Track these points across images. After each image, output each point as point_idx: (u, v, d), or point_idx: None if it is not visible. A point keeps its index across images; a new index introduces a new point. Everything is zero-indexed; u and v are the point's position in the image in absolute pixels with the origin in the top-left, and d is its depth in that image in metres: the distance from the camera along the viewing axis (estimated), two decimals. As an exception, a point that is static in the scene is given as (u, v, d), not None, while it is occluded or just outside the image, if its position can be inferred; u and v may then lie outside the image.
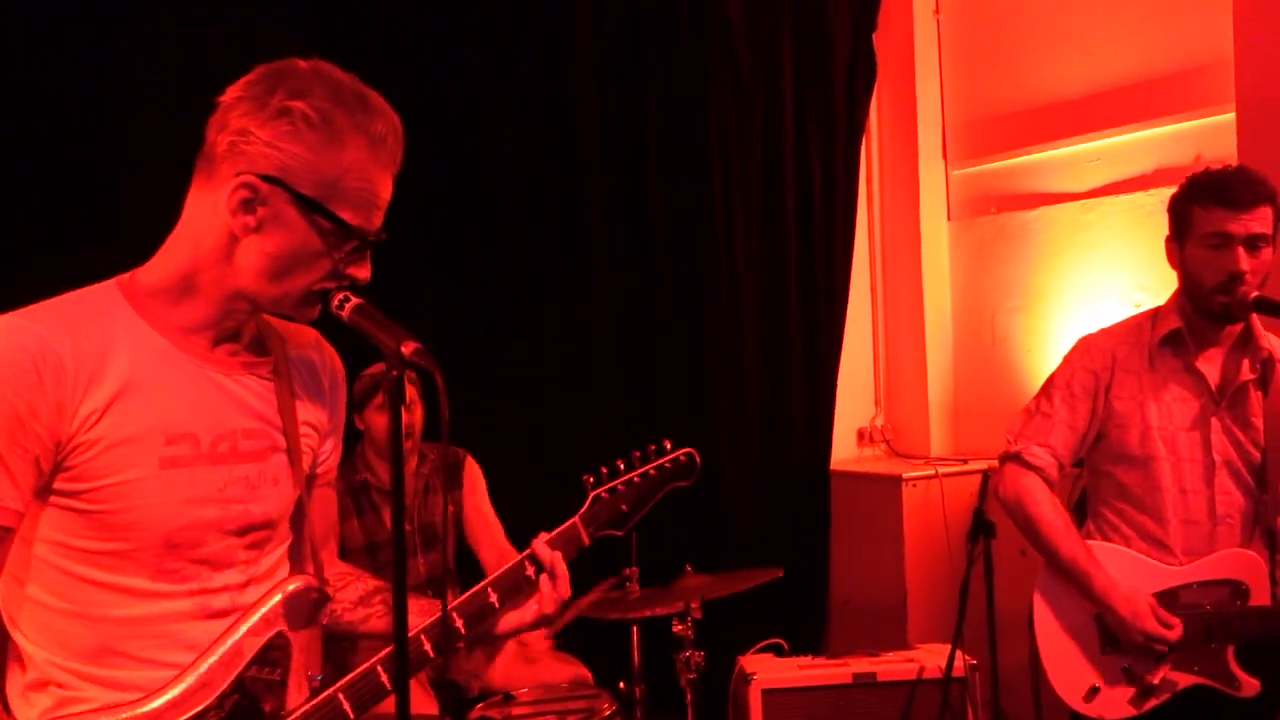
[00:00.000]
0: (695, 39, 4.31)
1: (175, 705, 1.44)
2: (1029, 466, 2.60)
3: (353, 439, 3.43)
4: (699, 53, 4.31)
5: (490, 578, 1.73)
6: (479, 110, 4.16)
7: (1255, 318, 2.50)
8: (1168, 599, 2.50)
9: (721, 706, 3.41)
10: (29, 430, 1.34)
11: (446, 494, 3.49)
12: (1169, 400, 2.53)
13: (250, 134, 1.38)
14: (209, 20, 3.54)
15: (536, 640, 3.41)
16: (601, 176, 4.24)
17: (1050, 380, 2.66)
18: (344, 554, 3.17)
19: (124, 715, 1.42)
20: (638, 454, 1.92)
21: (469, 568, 3.50)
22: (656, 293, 4.29)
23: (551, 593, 1.72)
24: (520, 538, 1.79)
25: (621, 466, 1.89)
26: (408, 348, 1.34)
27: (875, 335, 4.78)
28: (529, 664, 3.41)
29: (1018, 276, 4.33)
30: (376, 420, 3.39)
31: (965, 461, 4.33)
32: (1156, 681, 2.46)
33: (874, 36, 4.64)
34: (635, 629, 3.07)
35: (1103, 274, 3.99)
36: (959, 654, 3.09)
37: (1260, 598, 2.49)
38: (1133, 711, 2.48)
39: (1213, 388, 2.52)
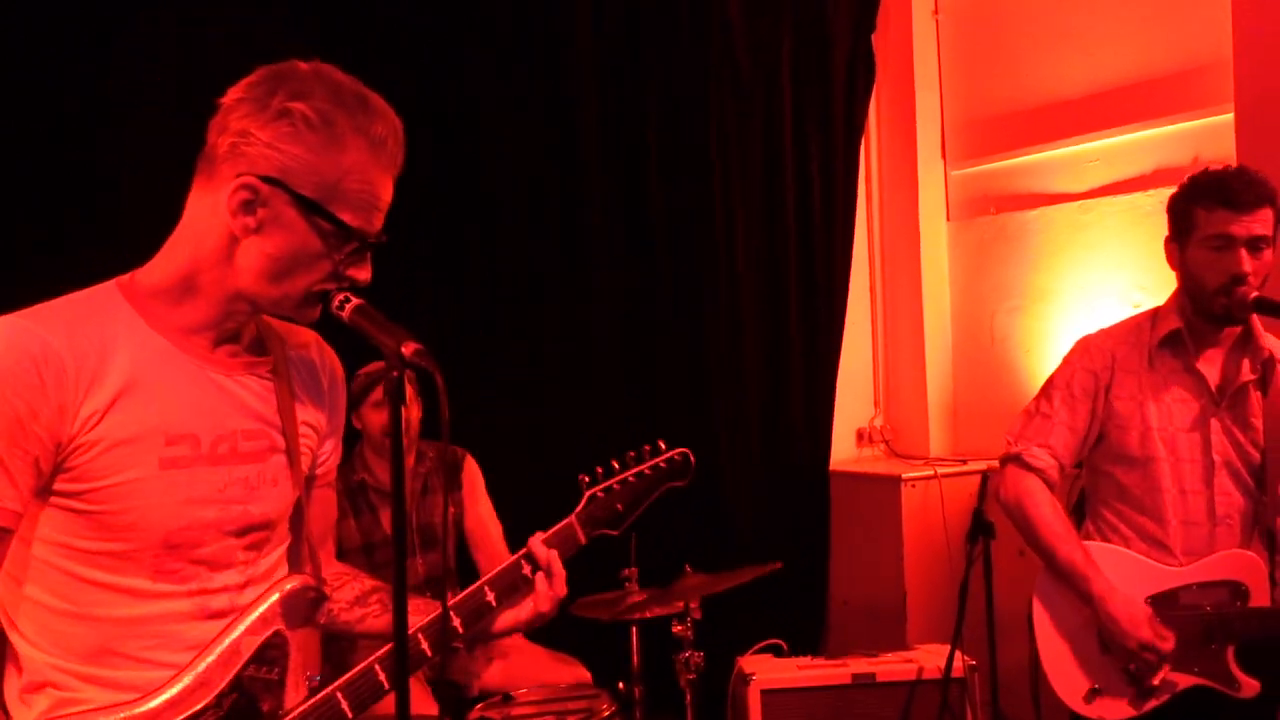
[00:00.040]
0: (695, 39, 4.31)
1: (173, 705, 1.44)
2: (1029, 468, 2.60)
3: (351, 439, 3.43)
4: (699, 53, 4.31)
5: (487, 576, 1.73)
6: (479, 110, 4.16)
7: (1255, 318, 2.50)
8: (1167, 600, 2.50)
9: (721, 707, 3.41)
10: (29, 432, 1.34)
11: (447, 495, 3.49)
12: (1169, 401, 2.53)
13: (251, 135, 1.38)
14: (209, 20, 3.54)
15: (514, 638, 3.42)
16: (601, 176, 4.24)
17: (1050, 381, 2.66)
18: (340, 554, 3.16)
19: (122, 715, 1.42)
20: (633, 454, 1.92)
21: (467, 569, 3.50)
22: (656, 293, 4.29)
23: (547, 591, 1.72)
24: (520, 538, 1.79)
25: (617, 466, 1.90)
26: (408, 348, 1.34)
27: (875, 335, 4.79)
28: (503, 658, 3.41)
29: (1017, 277, 4.34)
30: (372, 418, 3.39)
31: (964, 462, 4.33)
32: (1156, 683, 2.46)
33: (873, 37, 4.64)
34: (635, 629, 3.08)
35: (1102, 274, 4.00)
36: (958, 654, 3.09)
37: (1260, 599, 2.49)
38: (1132, 712, 2.48)
39: (1212, 388, 2.52)
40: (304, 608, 1.57)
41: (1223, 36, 3.42)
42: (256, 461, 1.51)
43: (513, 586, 1.73)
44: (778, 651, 3.50)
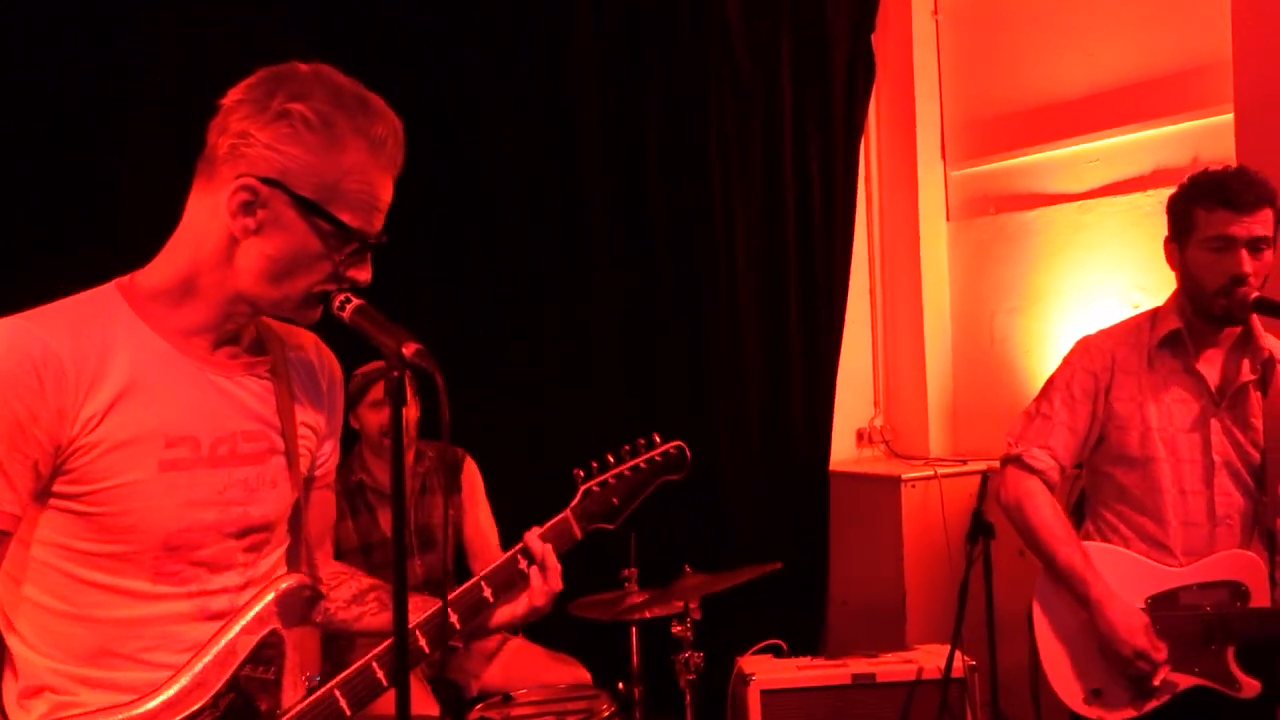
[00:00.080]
0: (695, 39, 4.31)
1: (170, 706, 1.44)
2: (1030, 470, 2.59)
3: (350, 440, 3.43)
4: (699, 53, 4.31)
5: (484, 572, 1.73)
6: (479, 110, 4.16)
7: (1255, 318, 2.50)
8: (1167, 600, 2.50)
9: (720, 707, 3.41)
10: (28, 435, 1.34)
11: (447, 497, 3.48)
12: (1169, 401, 2.53)
13: (250, 136, 1.38)
14: (209, 20, 3.54)
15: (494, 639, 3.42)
16: (601, 176, 4.24)
17: (1050, 382, 2.65)
18: (338, 555, 3.13)
19: (119, 717, 1.42)
20: (628, 448, 1.92)
21: (464, 571, 3.50)
22: (656, 293, 4.29)
23: (542, 585, 1.72)
24: (520, 538, 1.79)
25: (612, 460, 1.89)
26: (408, 349, 1.34)
27: (874, 336, 4.78)
28: (502, 657, 3.41)
29: (1016, 277, 4.34)
30: (369, 418, 3.39)
31: (964, 462, 4.33)
32: (1156, 683, 2.45)
33: (873, 37, 4.64)
34: (634, 630, 3.08)
35: (1101, 275, 4.00)
36: (958, 655, 3.09)
37: (1260, 599, 2.49)
38: (1133, 713, 2.48)
39: (1212, 389, 2.51)
40: (300, 606, 1.57)
41: (1222, 37, 3.42)
42: (256, 463, 1.51)
43: (510, 582, 1.73)
44: (777, 652, 3.50)
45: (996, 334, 4.42)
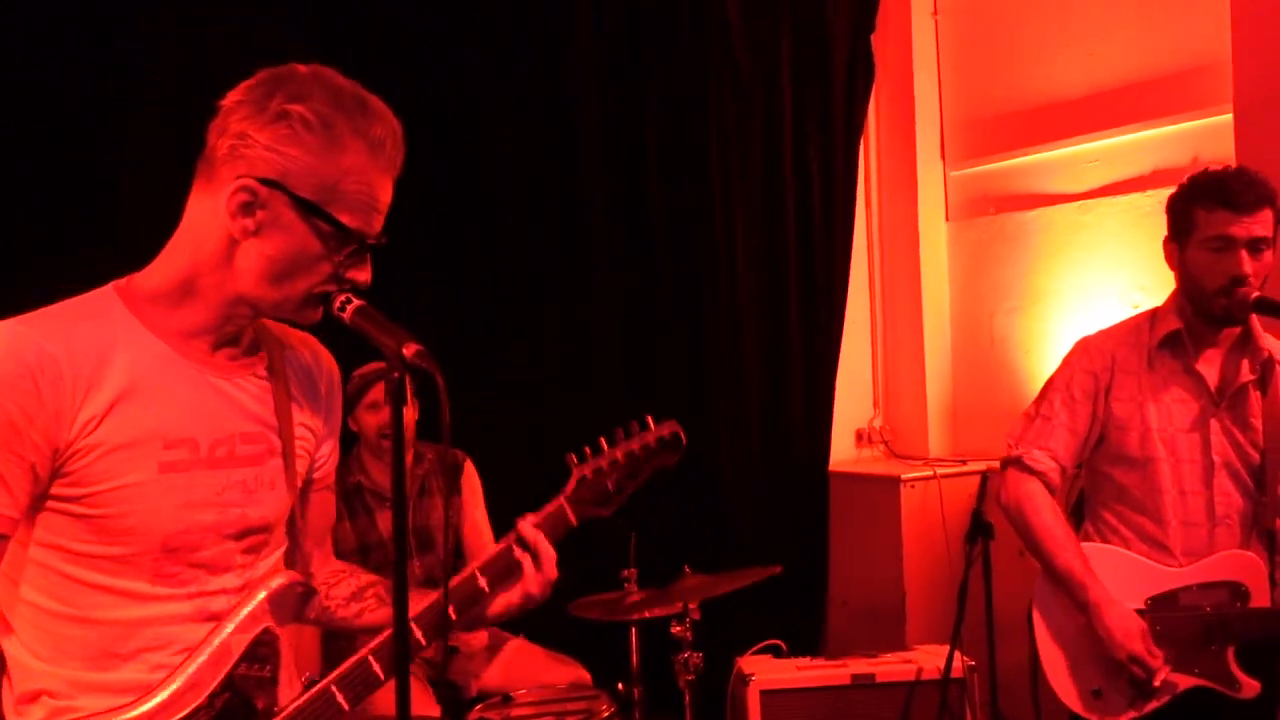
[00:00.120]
0: (695, 39, 4.31)
1: (165, 707, 1.44)
2: (1031, 471, 2.59)
3: (349, 441, 3.43)
4: (699, 53, 4.31)
5: (479, 562, 1.70)
6: (479, 110, 4.16)
7: (1255, 319, 2.50)
8: (1167, 601, 2.50)
9: (720, 707, 3.41)
10: (25, 439, 1.34)
11: (447, 500, 3.48)
12: (1168, 402, 2.53)
13: (250, 138, 1.38)
14: (209, 20, 3.54)
15: (478, 639, 3.42)
16: (601, 176, 4.24)
17: (1049, 383, 2.65)
18: (337, 556, 3.16)
19: (115, 720, 1.42)
20: (621, 431, 1.86)
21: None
22: (656, 293, 4.29)
23: (536, 574, 1.69)
24: (520, 537, 1.77)
25: (605, 445, 1.83)
26: (409, 350, 1.34)
27: (874, 336, 4.78)
28: (501, 657, 3.41)
29: (1016, 277, 4.34)
30: (367, 420, 3.39)
31: (964, 462, 4.32)
32: (1157, 684, 2.45)
33: (872, 37, 4.64)
34: (634, 630, 3.08)
35: (1101, 275, 3.99)
36: (957, 655, 3.09)
37: (1260, 599, 2.49)
38: (1133, 713, 2.47)
39: (1212, 389, 2.51)
40: (292, 603, 1.57)
41: (1222, 37, 3.42)
42: (254, 465, 1.51)
43: (505, 572, 1.70)
44: (777, 652, 3.50)
45: (996, 334, 4.42)
